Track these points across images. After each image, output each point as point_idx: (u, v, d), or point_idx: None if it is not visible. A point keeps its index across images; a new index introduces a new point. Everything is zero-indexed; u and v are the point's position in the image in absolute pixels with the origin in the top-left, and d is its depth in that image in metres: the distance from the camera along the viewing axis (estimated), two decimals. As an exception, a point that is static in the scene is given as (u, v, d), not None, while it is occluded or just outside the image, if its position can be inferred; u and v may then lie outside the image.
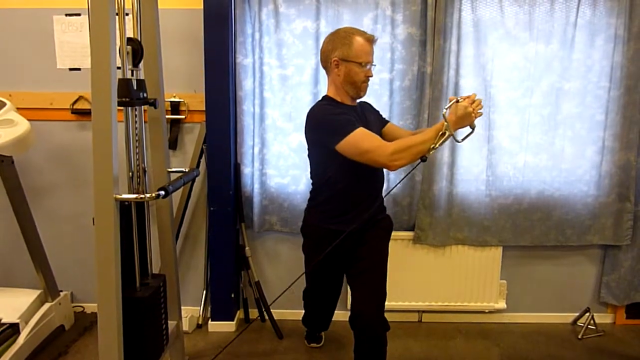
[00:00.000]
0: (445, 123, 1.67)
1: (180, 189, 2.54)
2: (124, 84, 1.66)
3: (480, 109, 1.69)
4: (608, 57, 2.44)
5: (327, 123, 1.83)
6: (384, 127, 2.07)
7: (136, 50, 1.74)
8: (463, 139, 1.78)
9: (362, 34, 1.86)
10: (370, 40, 1.86)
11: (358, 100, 1.99)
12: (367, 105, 2.10)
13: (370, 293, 1.85)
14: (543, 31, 2.41)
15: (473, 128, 1.73)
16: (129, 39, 1.72)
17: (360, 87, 1.89)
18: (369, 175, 1.92)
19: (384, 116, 2.17)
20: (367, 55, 1.85)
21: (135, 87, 1.71)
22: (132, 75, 1.76)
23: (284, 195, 2.58)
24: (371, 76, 1.90)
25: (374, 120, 2.03)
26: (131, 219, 1.77)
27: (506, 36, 2.42)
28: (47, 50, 2.53)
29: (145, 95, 1.79)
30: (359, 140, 1.74)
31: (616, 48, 2.42)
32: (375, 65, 1.92)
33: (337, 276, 2.14)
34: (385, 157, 1.69)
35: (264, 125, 2.51)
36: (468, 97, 1.69)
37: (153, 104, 1.81)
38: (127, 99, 1.67)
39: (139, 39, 1.79)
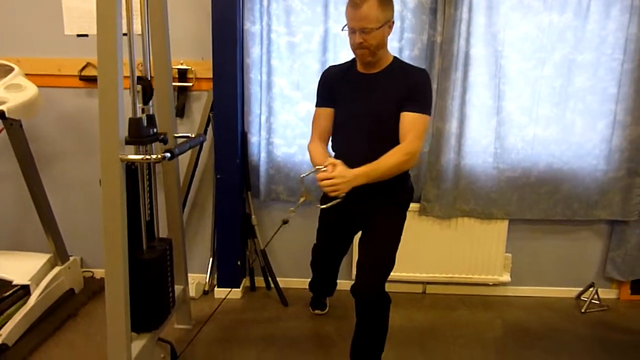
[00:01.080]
0: (303, 188, 1.73)
1: (188, 158, 2.57)
2: (134, 123, 1.69)
3: (331, 191, 1.60)
4: (623, 28, 2.38)
5: None
6: (402, 113, 1.79)
7: (146, 88, 1.77)
8: (326, 206, 1.71)
9: None
10: (353, 4, 1.69)
11: (419, 70, 1.85)
12: (403, 76, 1.81)
13: (372, 267, 1.83)
14: (557, 0, 2.36)
15: (341, 198, 1.65)
16: (139, 78, 1.75)
17: (355, 53, 1.80)
18: (359, 140, 1.86)
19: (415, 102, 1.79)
20: (350, 21, 1.72)
21: (145, 124, 1.75)
22: (143, 112, 1.78)
23: (291, 164, 2.58)
24: (359, 42, 1.72)
25: (387, 96, 1.81)
26: (137, 183, 1.79)
27: (519, 5, 2.36)
28: (55, 16, 2.51)
29: (155, 130, 1.81)
30: (313, 118, 1.99)
31: (632, 19, 2.36)
32: (370, 31, 1.70)
33: (343, 236, 2.16)
34: None
35: (271, 93, 2.50)
36: (324, 171, 1.63)
37: (163, 140, 1.81)
38: (137, 138, 1.70)
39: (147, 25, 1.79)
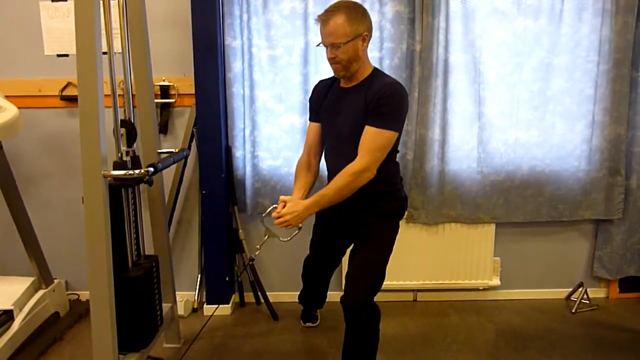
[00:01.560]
0: (264, 227, 1.96)
1: (172, 174, 2.55)
2: (119, 166, 1.69)
3: (284, 226, 1.76)
4: (596, 31, 2.44)
5: None
6: (365, 127, 1.76)
7: (130, 131, 1.78)
8: (288, 239, 1.94)
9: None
10: (321, 20, 1.75)
11: (387, 82, 1.78)
12: (370, 89, 1.76)
13: (360, 280, 1.82)
14: (531, 6, 2.41)
15: (299, 228, 1.85)
16: (122, 121, 1.76)
17: (331, 67, 1.83)
18: (340, 154, 1.86)
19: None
20: (321, 36, 1.77)
21: (130, 167, 1.76)
22: (127, 155, 1.79)
23: (277, 177, 2.58)
24: (331, 57, 1.76)
25: (356, 110, 1.79)
26: (121, 200, 1.77)
27: (494, 12, 2.41)
28: (35, 36, 2.51)
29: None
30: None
31: (604, 22, 2.43)
32: (338, 46, 1.71)
33: (336, 248, 2.17)
34: None
35: (254, 107, 2.50)
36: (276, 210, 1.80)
37: (148, 181, 1.81)
38: (122, 182, 1.70)
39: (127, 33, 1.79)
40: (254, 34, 2.43)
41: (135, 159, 1.81)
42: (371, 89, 1.76)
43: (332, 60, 1.78)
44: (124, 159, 1.76)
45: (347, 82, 1.86)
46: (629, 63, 2.45)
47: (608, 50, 2.45)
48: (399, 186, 1.98)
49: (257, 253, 2.01)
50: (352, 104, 1.81)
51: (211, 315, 2.48)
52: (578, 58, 2.47)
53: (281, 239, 1.94)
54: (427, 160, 2.51)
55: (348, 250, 2.13)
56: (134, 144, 1.82)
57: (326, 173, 2.02)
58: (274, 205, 1.83)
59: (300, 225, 1.80)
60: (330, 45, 1.74)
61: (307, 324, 2.48)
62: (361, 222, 1.92)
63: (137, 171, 1.62)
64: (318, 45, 1.79)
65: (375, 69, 1.86)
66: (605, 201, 2.60)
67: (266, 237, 1.99)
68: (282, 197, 1.82)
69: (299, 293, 2.42)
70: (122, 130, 1.77)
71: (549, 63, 2.47)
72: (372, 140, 1.74)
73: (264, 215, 1.93)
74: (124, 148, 1.77)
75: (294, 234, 1.92)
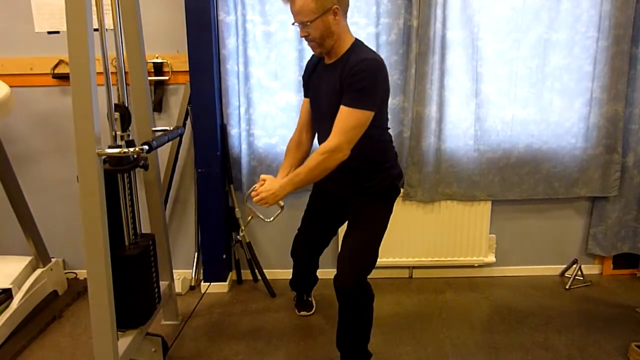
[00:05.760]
0: (248, 208, 1.97)
1: (167, 153, 2.54)
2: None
3: (262, 204, 1.76)
4: (596, 5, 2.40)
5: None
6: (340, 106, 1.70)
7: (124, 115, 1.74)
8: (271, 219, 1.94)
9: None
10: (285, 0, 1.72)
11: (359, 59, 1.69)
12: (347, 69, 1.68)
13: (351, 260, 1.80)
14: (530, -20, 2.37)
15: (281, 207, 1.86)
16: (116, 105, 1.72)
17: (309, 45, 1.78)
18: (325, 132, 1.79)
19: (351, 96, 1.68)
20: (292, 15, 1.72)
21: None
22: (122, 139, 1.75)
23: (273, 155, 2.57)
24: (304, 36, 1.72)
25: (329, 89, 1.77)
26: (117, 179, 1.76)
27: (493, -14, 2.38)
28: (24, 13, 2.45)
29: (135, 156, 1.76)
30: None
31: (605, -4, 2.39)
32: (307, 24, 1.67)
33: (324, 226, 2.14)
34: None
35: (249, 84, 2.47)
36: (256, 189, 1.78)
37: (144, 166, 1.78)
38: (118, 167, 1.68)
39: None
40: (248, 9, 2.39)
41: (129, 144, 1.77)
42: (346, 65, 1.69)
43: (306, 39, 1.74)
44: (119, 143, 1.74)
45: (328, 58, 1.80)
46: (628, 39, 2.42)
47: (608, 26, 2.41)
48: (389, 164, 1.90)
49: (242, 234, 2.07)
50: (330, 81, 1.76)
51: (204, 293, 2.50)
52: (577, 34, 2.44)
53: (265, 219, 1.94)
54: (423, 138, 2.50)
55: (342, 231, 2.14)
56: (129, 128, 1.79)
57: None
58: (255, 185, 1.81)
59: (281, 204, 1.80)
60: (300, 24, 1.69)
61: (302, 312, 2.43)
62: (353, 202, 1.89)
63: (131, 149, 1.60)
64: (293, 24, 1.73)
65: (355, 42, 1.76)
66: (601, 179, 2.60)
67: (250, 217, 2.03)
68: (262, 176, 1.82)
69: (289, 279, 2.42)
70: (116, 115, 1.74)
71: (547, 39, 2.44)
72: (345, 120, 1.67)
73: (246, 194, 1.91)
74: (118, 132, 1.75)
75: (277, 213, 1.92)
